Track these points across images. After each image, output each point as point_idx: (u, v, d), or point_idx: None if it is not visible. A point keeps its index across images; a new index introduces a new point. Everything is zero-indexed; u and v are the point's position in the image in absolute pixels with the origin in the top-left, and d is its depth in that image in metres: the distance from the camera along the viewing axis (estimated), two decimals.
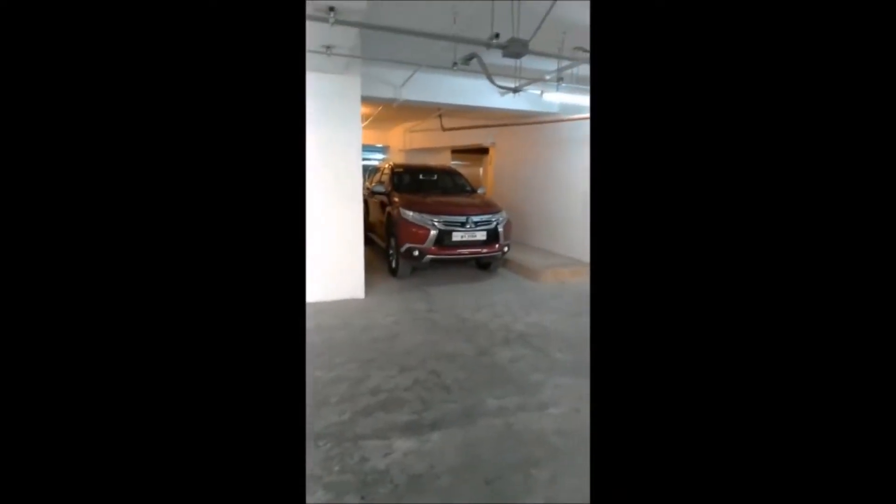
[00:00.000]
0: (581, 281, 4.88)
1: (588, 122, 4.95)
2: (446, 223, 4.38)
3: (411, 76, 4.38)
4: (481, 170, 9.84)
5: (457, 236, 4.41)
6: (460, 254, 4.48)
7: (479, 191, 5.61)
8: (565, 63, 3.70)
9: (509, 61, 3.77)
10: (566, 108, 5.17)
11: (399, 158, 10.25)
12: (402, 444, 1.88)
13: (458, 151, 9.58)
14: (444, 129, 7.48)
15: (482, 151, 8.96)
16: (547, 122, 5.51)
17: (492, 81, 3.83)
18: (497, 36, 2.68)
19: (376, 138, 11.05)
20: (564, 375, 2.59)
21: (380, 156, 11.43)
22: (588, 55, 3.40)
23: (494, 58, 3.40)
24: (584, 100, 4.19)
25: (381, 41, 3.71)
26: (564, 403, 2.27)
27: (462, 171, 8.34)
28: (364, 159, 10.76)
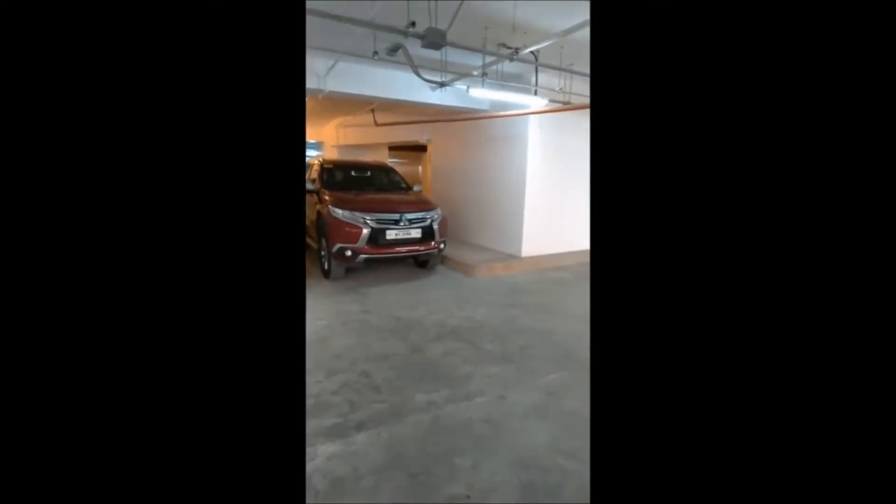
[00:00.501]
0: (512, 274, 5.04)
1: (516, 118, 5.11)
2: (379, 221, 4.30)
3: (334, 65, 4.24)
4: (420, 167, 9.82)
5: (391, 234, 4.35)
6: (396, 252, 4.42)
7: (415, 188, 5.59)
8: (490, 59, 3.78)
9: (436, 54, 3.78)
10: (496, 105, 5.29)
11: (332, 154, 9.93)
12: (326, 449, 1.81)
13: (395, 148, 9.48)
14: (377, 125, 7.36)
15: (421, 149, 8.94)
16: (478, 119, 5.61)
17: (418, 74, 3.82)
18: (413, 24, 2.66)
19: (309, 134, 10.61)
20: (493, 365, 2.65)
21: (313, 152, 10.99)
22: (511, 52, 3.50)
23: (421, 50, 3.39)
24: (512, 97, 4.31)
25: None
26: (491, 392, 2.32)
27: (401, 168, 8.25)
28: None
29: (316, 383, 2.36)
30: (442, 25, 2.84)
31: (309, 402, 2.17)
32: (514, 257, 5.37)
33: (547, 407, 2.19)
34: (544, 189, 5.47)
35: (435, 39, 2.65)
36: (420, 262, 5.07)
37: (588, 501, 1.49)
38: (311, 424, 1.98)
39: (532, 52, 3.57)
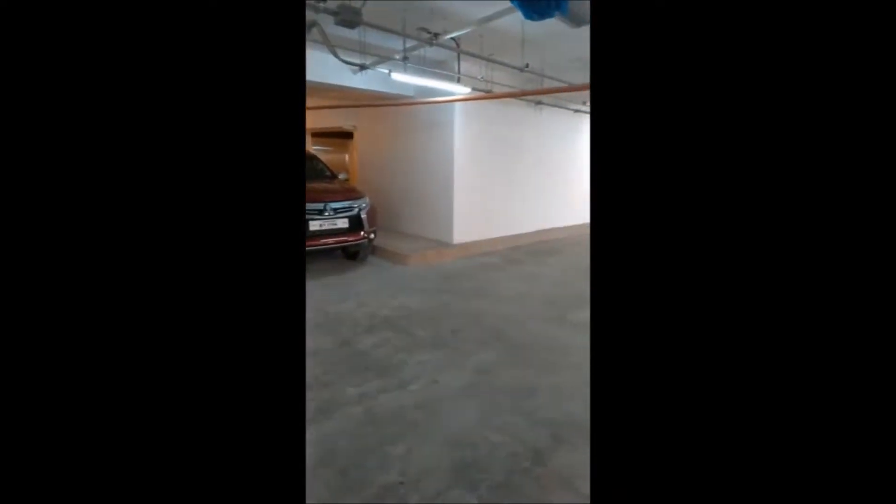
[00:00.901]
0: (445, 261, 5.10)
1: (442, 106, 5.12)
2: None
3: None
4: (347, 155, 9.47)
5: (315, 225, 4.16)
6: (321, 244, 4.24)
7: (340, 176, 5.38)
8: (411, 43, 3.72)
9: (354, 34, 3.63)
10: (422, 91, 5.25)
11: None
12: None
13: (319, 135, 9.02)
14: None
15: (347, 136, 8.60)
16: (404, 105, 5.53)
17: (335, 55, 3.66)
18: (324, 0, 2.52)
19: None
20: (425, 351, 2.67)
21: None
22: (430, 36, 3.47)
23: (338, 30, 3.22)
24: (436, 83, 4.29)
25: None
26: (424, 377, 2.34)
27: (326, 156, 7.88)
28: None
29: None
30: (357, 3, 2.72)
31: None
32: (446, 244, 5.43)
33: (478, 386, 2.26)
34: (472, 176, 5.57)
35: (349, 17, 2.53)
36: (350, 253, 4.92)
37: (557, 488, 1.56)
38: None
39: (453, 38, 3.58)
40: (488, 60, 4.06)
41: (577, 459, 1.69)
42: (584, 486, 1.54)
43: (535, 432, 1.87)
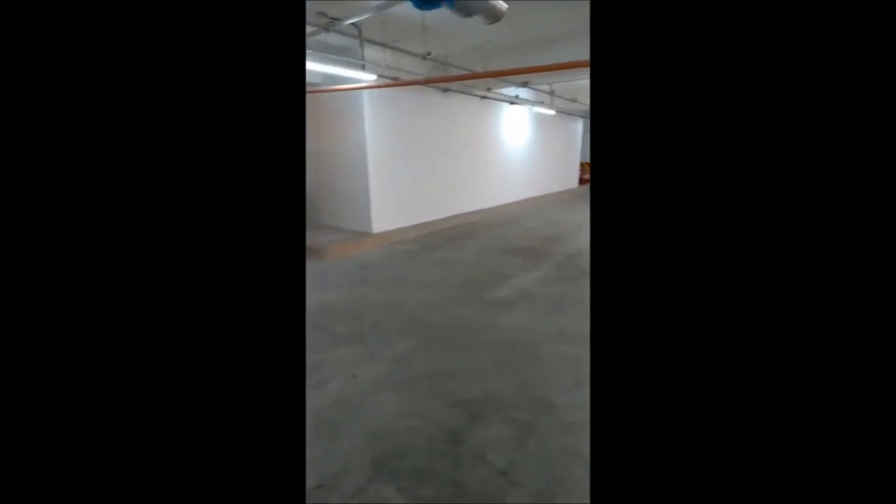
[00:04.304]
0: (364, 252, 5.04)
1: (350, 93, 4.95)
2: None
3: None
4: None
5: None
6: None
7: None
8: (310, 28, 3.53)
9: None
10: (329, 79, 5.02)
11: None
12: None
13: None
14: None
15: None
16: (311, 93, 5.25)
17: None
18: None
19: None
20: (344, 346, 2.65)
21: None
22: (328, 21, 3.32)
23: None
24: (340, 71, 4.13)
25: None
26: (343, 373, 2.33)
27: None
28: None
29: None
30: None
31: None
32: (366, 234, 5.36)
33: (396, 376, 2.31)
34: (387, 164, 5.52)
35: None
36: None
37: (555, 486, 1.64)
38: None
39: (354, 24, 3.46)
40: (391, 48, 4.00)
41: (490, 434, 1.83)
42: (499, 461, 1.68)
43: (452, 413, 1.98)
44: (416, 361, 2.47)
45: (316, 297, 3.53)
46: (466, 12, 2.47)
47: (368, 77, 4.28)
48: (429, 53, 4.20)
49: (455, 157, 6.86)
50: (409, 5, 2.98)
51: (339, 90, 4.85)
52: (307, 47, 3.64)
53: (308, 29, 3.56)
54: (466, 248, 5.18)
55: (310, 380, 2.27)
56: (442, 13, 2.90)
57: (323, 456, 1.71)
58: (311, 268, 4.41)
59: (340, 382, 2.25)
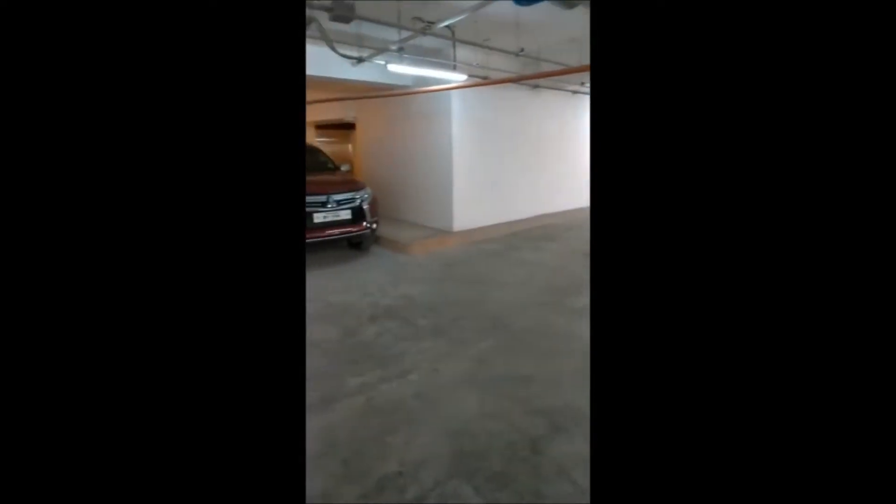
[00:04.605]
0: (445, 249, 5.12)
1: (439, 94, 5.06)
2: (306, 204, 4.12)
3: None
4: (350, 146, 9.45)
5: (319, 217, 4.20)
6: (326, 236, 4.29)
7: (343, 168, 5.40)
8: (406, 33, 3.67)
9: (351, 28, 3.60)
10: (419, 80, 5.19)
11: None
12: None
13: (323, 127, 9.00)
14: None
15: (349, 127, 8.56)
16: (402, 95, 5.48)
17: (333, 49, 3.63)
18: None
19: None
20: (426, 340, 2.72)
21: None
22: (425, 26, 3.42)
23: (336, 24, 3.20)
24: (432, 72, 4.24)
25: None
26: (424, 366, 2.39)
27: (330, 147, 7.85)
28: None
29: None
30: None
31: None
32: (447, 232, 5.45)
33: (476, 375, 2.31)
34: (471, 163, 5.55)
35: (342, 12, 2.52)
36: (353, 243, 4.96)
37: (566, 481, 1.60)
38: None
39: (447, 26, 3.53)
40: (483, 47, 4.00)
41: (573, 449, 1.74)
42: (581, 477, 1.59)
43: (533, 420, 1.91)
44: (496, 362, 2.44)
45: (399, 289, 3.68)
46: (569, 4, 2.36)
47: (459, 77, 4.33)
48: (522, 50, 4.12)
49: (541, 155, 6.66)
50: (503, 4, 2.94)
51: (428, 91, 4.99)
52: (402, 51, 3.79)
53: (403, 34, 3.71)
54: (549, 251, 5.01)
55: (393, 369, 2.37)
56: (535, 9, 2.82)
57: (404, 445, 1.76)
58: (395, 261, 4.61)
59: (422, 375, 2.31)
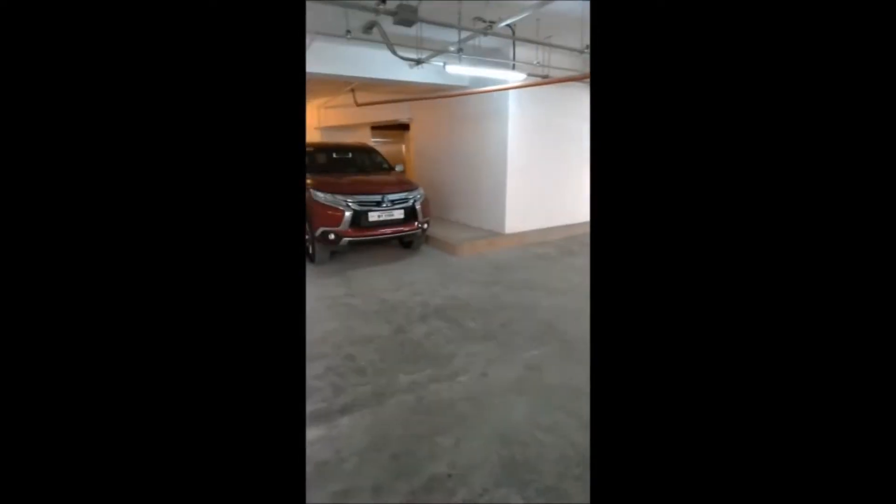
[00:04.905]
0: (495, 251, 5.06)
1: (495, 94, 5.01)
2: (361, 203, 4.25)
3: (309, 45, 4.08)
4: (404, 146, 9.65)
5: (373, 216, 4.31)
6: (379, 234, 4.40)
7: (397, 168, 5.51)
8: (466, 34, 3.67)
9: (411, 31, 3.66)
10: (475, 81, 5.18)
11: (315, 137, 9.69)
12: (310, 434, 1.84)
13: (378, 128, 9.27)
14: (357, 105, 7.17)
15: (403, 127, 8.75)
16: (458, 96, 5.50)
17: (393, 52, 3.71)
18: (384, 1, 2.56)
19: None
20: (475, 343, 2.70)
21: None
22: (485, 25, 3.40)
23: (396, 27, 3.27)
24: (490, 72, 4.21)
25: None
26: (473, 370, 2.37)
27: (384, 148, 8.07)
28: None
29: None
30: (413, 1, 2.74)
31: None
32: (498, 234, 5.39)
33: (527, 382, 2.25)
34: (526, 165, 5.44)
35: (406, 16, 2.56)
36: (404, 242, 5.06)
37: (577, 482, 1.54)
38: None
39: (508, 25, 3.48)
40: (545, 44, 3.90)
41: None
42: None
43: (587, 436, 1.83)
44: (548, 371, 2.37)
45: (449, 290, 3.69)
46: None
47: (517, 77, 4.26)
48: (587, 47, 3.97)
49: None
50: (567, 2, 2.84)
51: (485, 92, 4.96)
52: (461, 52, 3.79)
53: (463, 35, 3.71)
54: None
55: (442, 370, 2.37)
56: None
57: (453, 446, 1.76)
58: (444, 262, 4.63)
59: (471, 378, 2.29)
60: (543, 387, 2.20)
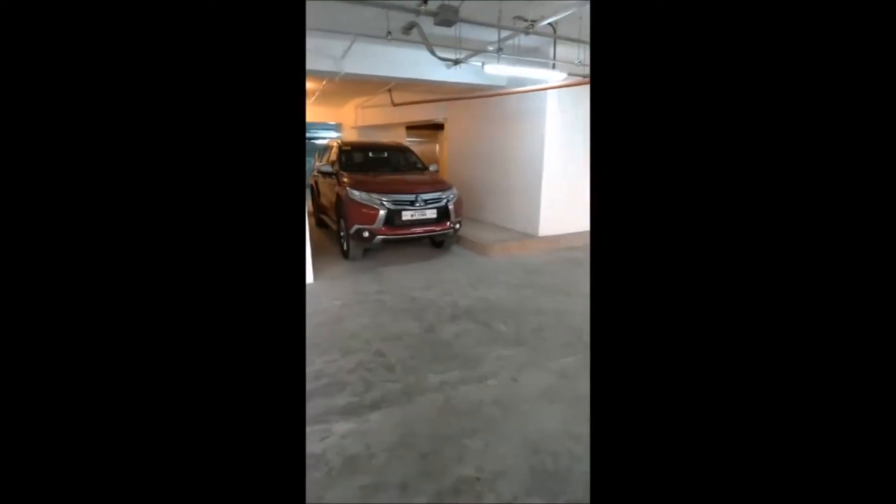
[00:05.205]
0: (527, 254, 4.99)
1: (533, 94, 4.94)
2: (395, 202, 4.31)
3: (350, 47, 4.17)
4: (438, 146, 9.70)
5: (406, 215, 4.35)
6: (412, 233, 4.44)
7: (431, 168, 5.54)
8: (506, 33, 3.64)
9: (450, 31, 3.66)
10: (513, 80, 5.12)
11: (352, 136, 9.91)
12: (341, 427, 1.87)
13: (413, 128, 9.37)
14: (394, 105, 7.26)
15: (438, 127, 8.80)
16: (493, 96, 5.46)
17: (432, 52, 3.72)
18: (425, 2, 2.57)
19: (327, 115, 10.60)
20: (506, 347, 2.66)
21: (332, 133, 10.99)
22: (526, 24, 3.36)
23: (435, 28, 3.28)
24: (529, 72, 4.15)
25: (310, 9, 3.47)
26: (503, 374, 2.34)
27: (418, 147, 8.14)
28: (313, 138, 10.26)
29: (332, 362, 2.43)
30: (454, 1, 2.74)
31: (324, 381, 2.25)
32: (531, 236, 5.31)
33: (559, 390, 2.20)
34: (563, 166, 5.32)
35: (447, 17, 2.57)
36: (436, 242, 5.08)
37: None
38: (327, 403, 2.05)
39: (550, 23, 3.41)
40: (586, 43, 3.80)
41: None
42: None
43: None
44: (580, 380, 2.30)
45: (479, 291, 3.67)
46: None
47: (558, 76, 4.17)
48: None
49: None
50: None
51: (524, 92, 4.90)
52: (501, 51, 3.76)
53: (503, 34, 3.68)
54: None
55: (471, 372, 2.36)
56: None
57: (482, 450, 1.74)
58: (475, 263, 4.60)
59: (501, 382, 2.26)
60: (576, 396, 2.15)
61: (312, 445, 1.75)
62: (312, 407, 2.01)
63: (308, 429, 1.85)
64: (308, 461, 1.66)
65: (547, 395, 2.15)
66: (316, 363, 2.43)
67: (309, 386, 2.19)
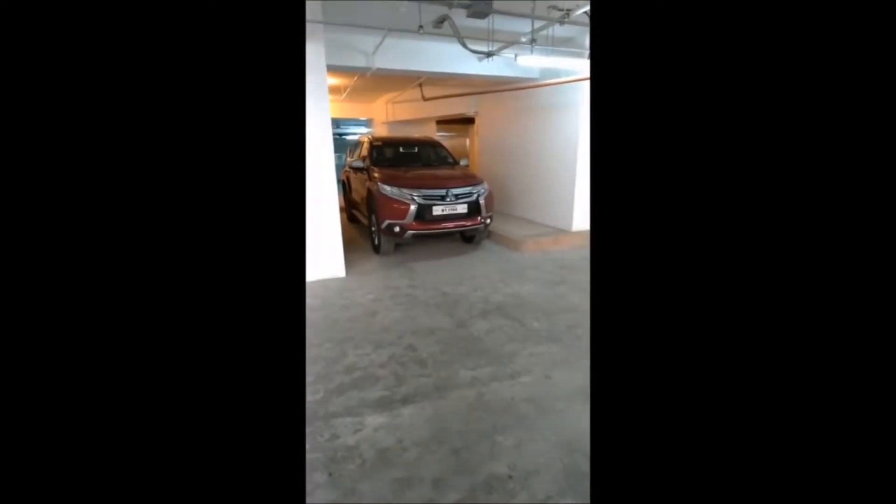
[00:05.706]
0: (560, 249, 4.88)
1: (567, 86, 4.80)
2: (426, 197, 4.31)
3: (381, 42, 4.19)
4: (468, 140, 9.64)
5: (437, 210, 4.36)
6: (442, 228, 4.44)
7: (462, 162, 5.51)
8: (539, 24, 3.55)
9: (482, 23, 3.61)
10: (546, 72, 5.00)
11: (382, 131, 10.01)
12: (373, 420, 1.90)
13: (443, 122, 9.35)
14: (425, 99, 7.26)
15: (468, 121, 8.74)
16: (526, 88, 5.35)
17: (464, 45, 3.68)
18: None
19: (358, 111, 10.74)
20: (539, 344, 2.62)
21: (363, 129, 11.15)
22: (562, 14, 3.26)
23: (466, 20, 3.25)
24: (562, 62, 4.04)
25: (342, 6, 3.52)
26: (536, 371, 2.30)
27: (449, 141, 8.12)
28: (344, 134, 10.38)
29: (364, 356, 2.48)
30: None
31: (357, 374, 2.29)
32: (564, 232, 5.19)
33: None
34: None
35: (480, 9, 2.52)
36: (466, 237, 5.06)
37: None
38: (359, 396, 2.09)
39: (586, 12, 3.30)
40: None
41: None
42: None
43: None
44: None
45: (510, 287, 3.62)
46: None
47: None
48: None
49: None
50: None
51: (557, 84, 4.77)
52: (534, 42, 3.67)
53: (537, 24, 3.59)
54: None
55: (504, 368, 2.33)
56: None
57: (514, 448, 1.72)
58: (506, 258, 4.55)
59: (534, 380, 2.23)
60: None
61: (346, 438, 1.79)
62: (346, 399, 2.06)
63: (341, 421, 1.90)
64: (342, 453, 1.70)
65: (581, 393, 2.10)
66: (349, 356, 2.48)
67: (342, 379, 2.24)
